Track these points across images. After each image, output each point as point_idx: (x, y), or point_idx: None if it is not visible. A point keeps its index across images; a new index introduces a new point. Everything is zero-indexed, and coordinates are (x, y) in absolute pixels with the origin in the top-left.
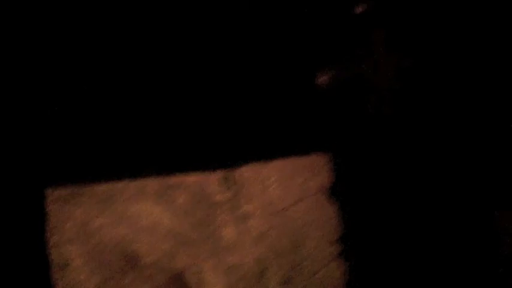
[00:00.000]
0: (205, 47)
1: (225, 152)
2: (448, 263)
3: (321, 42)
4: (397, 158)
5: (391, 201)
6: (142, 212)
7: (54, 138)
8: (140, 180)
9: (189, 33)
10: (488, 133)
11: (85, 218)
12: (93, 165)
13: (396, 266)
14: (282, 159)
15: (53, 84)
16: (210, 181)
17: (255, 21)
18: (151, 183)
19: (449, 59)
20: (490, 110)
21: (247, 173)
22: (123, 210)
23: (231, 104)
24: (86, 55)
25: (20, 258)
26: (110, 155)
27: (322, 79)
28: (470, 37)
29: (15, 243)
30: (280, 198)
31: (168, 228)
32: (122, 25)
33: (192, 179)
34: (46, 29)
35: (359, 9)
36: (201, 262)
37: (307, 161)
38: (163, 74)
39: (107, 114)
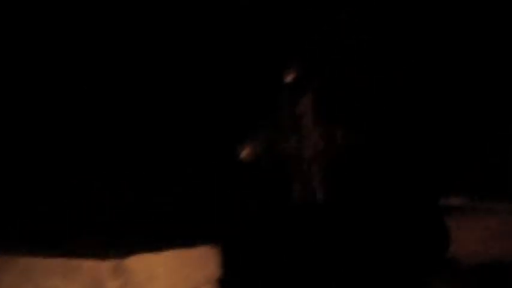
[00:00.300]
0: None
1: (116, 241)
2: None
3: (244, 113)
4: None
5: None
6: (55, 287)
7: None
8: (51, 258)
9: None
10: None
11: (12, 286)
12: (17, 240)
13: None
14: (171, 250)
15: None
16: (103, 268)
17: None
18: (59, 263)
19: (382, 131)
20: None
21: (136, 263)
22: (41, 282)
23: (122, 198)
24: None
25: None
26: (27, 232)
27: (245, 153)
28: (403, 109)
29: None
30: None
31: None
32: None
33: (88, 264)
34: None
35: (288, 79)
36: None
37: (195, 253)
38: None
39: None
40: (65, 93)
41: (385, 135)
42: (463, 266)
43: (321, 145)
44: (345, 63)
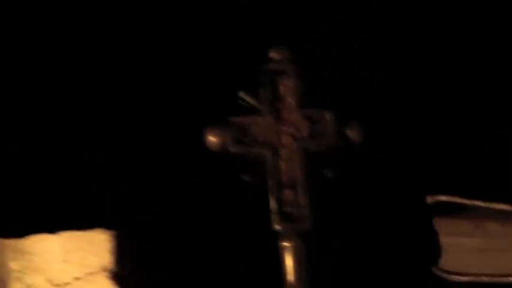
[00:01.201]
0: None
1: (14, 220)
2: None
3: (213, 92)
4: None
5: None
6: None
7: None
8: None
9: None
10: None
11: None
12: None
13: None
14: (65, 231)
15: None
16: (6, 247)
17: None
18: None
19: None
20: None
21: (33, 244)
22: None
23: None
24: None
25: None
26: None
27: (212, 141)
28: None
29: None
30: (63, 272)
31: None
32: None
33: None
34: None
35: (272, 55)
36: None
37: (88, 236)
38: None
39: None
40: (64, 93)
41: (382, 129)
42: (455, 282)
43: (305, 130)
44: (345, 63)
